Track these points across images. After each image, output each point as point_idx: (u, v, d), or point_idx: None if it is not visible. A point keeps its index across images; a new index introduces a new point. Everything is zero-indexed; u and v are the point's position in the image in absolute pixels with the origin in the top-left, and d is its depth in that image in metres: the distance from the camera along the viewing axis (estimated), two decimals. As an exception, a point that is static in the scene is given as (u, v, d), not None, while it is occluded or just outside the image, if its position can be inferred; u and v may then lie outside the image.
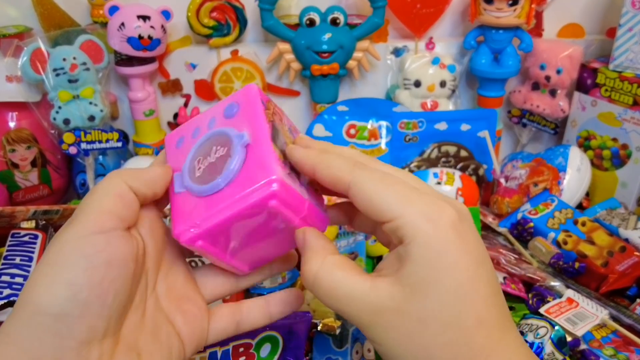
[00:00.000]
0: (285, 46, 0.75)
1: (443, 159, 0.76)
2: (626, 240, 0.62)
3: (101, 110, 0.71)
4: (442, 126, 0.75)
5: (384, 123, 0.77)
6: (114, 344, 0.27)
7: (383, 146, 0.77)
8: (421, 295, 0.25)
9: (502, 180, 0.76)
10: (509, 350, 0.25)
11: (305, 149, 0.29)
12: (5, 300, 0.50)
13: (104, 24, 0.73)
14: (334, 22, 0.72)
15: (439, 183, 0.69)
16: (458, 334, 0.25)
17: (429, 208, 0.25)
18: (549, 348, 0.46)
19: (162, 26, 0.72)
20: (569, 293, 0.56)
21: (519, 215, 0.68)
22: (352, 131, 0.77)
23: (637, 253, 0.59)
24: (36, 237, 0.59)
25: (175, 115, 0.82)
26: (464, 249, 0.25)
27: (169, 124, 0.84)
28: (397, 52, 0.80)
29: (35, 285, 0.25)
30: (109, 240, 0.26)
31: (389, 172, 0.28)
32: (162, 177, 0.31)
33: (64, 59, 0.67)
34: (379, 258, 0.63)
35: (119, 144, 0.73)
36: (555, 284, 0.58)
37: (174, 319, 0.31)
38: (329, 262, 0.27)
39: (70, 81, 0.68)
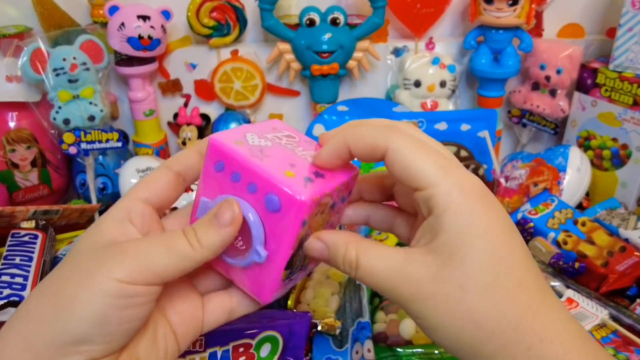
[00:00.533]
0: (285, 46, 0.75)
1: (443, 159, 0.76)
2: (626, 240, 0.62)
3: (101, 110, 0.71)
4: (442, 126, 0.75)
5: (384, 123, 0.76)
6: (117, 354, 0.27)
7: (383, 146, 0.77)
8: (457, 262, 0.25)
9: (502, 180, 0.76)
10: (554, 310, 0.25)
11: (332, 138, 0.29)
12: (5, 300, 0.50)
13: (104, 24, 0.73)
14: (334, 22, 0.72)
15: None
16: (500, 296, 0.25)
17: (462, 179, 0.26)
18: (549, 348, 0.46)
19: (162, 26, 0.72)
20: (569, 293, 0.56)
21: (519, 215, 0.68)
22: (352, 131, 0.77)
23: (637, 253, 0.59)
24: (36, 237, 0.59)
25: (175, 115, 0.82)
26: (495, 216, 0.26)
27: (169, 124, 0.84)
28: (397, 52, 0.80)
29: (66, 306, 0.25)
30: (150, 290, 0.27)
31: (424, 140, 0.28)
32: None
33: (64, 59, 0.67)
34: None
35: (119, 144, 0.73)
36: (555, 284, 0.58)
37: (170, 319, 0.31)
38: (362, 247, 0.28)
39: (70, 81, 0.68)
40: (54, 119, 0.69)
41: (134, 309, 0.26)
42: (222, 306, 0.33)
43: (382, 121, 0.29)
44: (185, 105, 0.83)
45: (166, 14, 0.72)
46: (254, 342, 0.43)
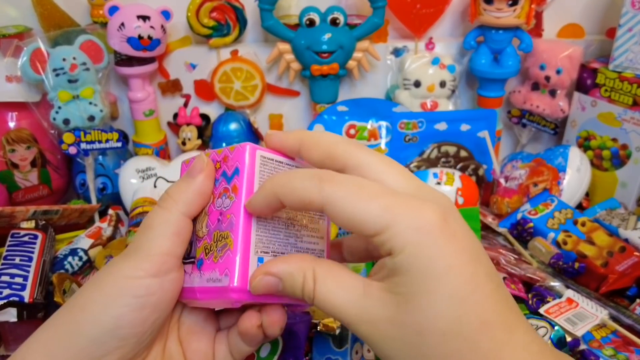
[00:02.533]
0: (285, 46, 0.75)
1: (443, 159, 0.76)
2: (626, 240, 0.62)
3: (101, 111, 0.71)
4: (441, 126, 0.75)
5: (383, 123, 0.77)
6: None
7: (383, 146, 0.77)
8: (414, 306, 0.23)
9: (502, 181, 0.76)
10: (518, 350, 0.24)
11: (261, 188, 0.27)
12: (5, 301, 0.50)
13: (104, 24, 0.73)
14: (334, 22, 0.72)
15: (438, 183, 0.69)
16: (460, 342, 0.23)
17: (412, 214, 0.23)
18: (548, 348, 0.46)
19: (162, 26, 0.72)
20: (569, 293, 0.56)
21: (519, 216, 0.68)
22: (352, 131, 0.77)
23: (636, 253, 0.59)
24: (36, 237, 0.59)
25: (175, 116, 0.82)
26: (456, 249, 0.23)
27: (169, 124, 0.84)
28: (397, 52, 0.80)
29: (83, 309, 0.27)
30: (162, 284, 0.27)
31: (361, 182, 0.25)
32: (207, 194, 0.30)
33: (64, 59, 0.67)
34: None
35: (119, 144, 0.73)
36: (555, 284, 0.58)
37: (186, 352, 0.31)
38: (320, 272, 0.26)
39: (70, 81, 0.68)
40: (54, 119, 0.69)
41: (146, 309, 0.27)
42: (225, 347, 0.32)
43: (310, 171, 0.26)
44: (185, 105, 0.83)
45: (166, 14, 0.72)
46: (253, 342, 0.43)
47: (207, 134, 0.82)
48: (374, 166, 0.26)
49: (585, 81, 0.75)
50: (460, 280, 0.23)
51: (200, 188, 0.29)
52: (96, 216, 0.74)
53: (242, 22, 0.77)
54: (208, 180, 0.29)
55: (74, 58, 0.68)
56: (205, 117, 0.81)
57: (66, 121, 0.69)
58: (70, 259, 0.62)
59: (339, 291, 0.25)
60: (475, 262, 0.24)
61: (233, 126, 0.78)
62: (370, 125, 0.77)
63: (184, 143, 0.80)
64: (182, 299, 0.30)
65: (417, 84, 0.77)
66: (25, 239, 0.58)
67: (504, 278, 0.60)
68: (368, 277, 0.26)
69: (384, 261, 0.25)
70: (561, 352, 0.26)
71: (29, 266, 0.55)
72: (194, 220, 0.30)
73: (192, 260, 0.29)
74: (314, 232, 0.31)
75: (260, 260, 0.27)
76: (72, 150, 0.71)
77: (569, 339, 0.49)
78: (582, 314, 0.53)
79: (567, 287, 0.58)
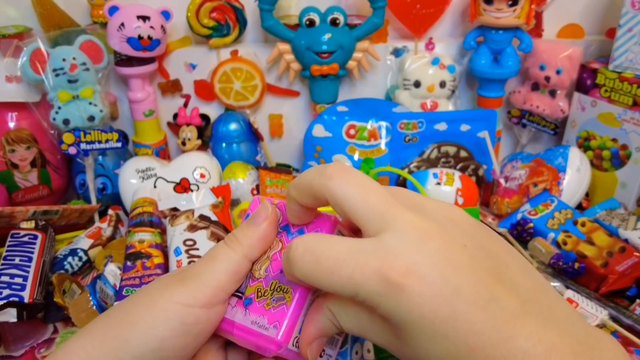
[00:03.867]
0: (285, 46, 0.75)
1: (443, 160, 0.76)
2: (626, 240, 0.62)
3: (101, 111, 0.71)
4: (441, 126, 0.75)
5: (383, 123, 0.77)
6: None
7: (383, 146, 0.77)
8: (403, 342, 0.25)
9: (502, 181, 0.76)
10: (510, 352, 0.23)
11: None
12: (5, 301, 0.50)
13: (104, 24, 0.73)
14: (334, 22, 0.72)
15: (438, 183, 0.69)
16: None
17: (373, 282, 0.24)
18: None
19: (162, 26, 0.72)
20: (569, 293, 0.56)
21: (519, 216, 0.68)
22: (352, 131, 0.77)
23: (636, 253, 0.59)
24: (36, 237, 0.59)
25: (175, 116, 0.82)
26: (424, 296, 0.23)
27: (169, 124, 0.84)
28: (396, 52, 0.80)
29: (132, 327, 0.28)
30: (209, 315, 0.29)
31: (321, 248, 0.25)
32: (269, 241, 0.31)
33: (64, 59, 0.67)
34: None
35: (119, 144, 0.73)
36: (555, 284, 0.58)
37: None
38: (331, 306, 0.28)
39: (70, 81, 0.68)
40: (54, 119, 0.69)
41: (190, 337, 0.28)
42: None
43: (319, 167, 0.27)
44: (185, 105, 0.83)
45: (166, 15, 0.72)
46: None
47: (207, 134, 0.82)
48: (347, 203, 0.26)
49: (585, 81, 0.75)
50: (436, 324, 0.23)
51: (263, 235, 0.30)
52: (96, 216, 0.74)
53: (242, 22, 0.77)
54: (271, 227, 0.31)
55: (74, 58, 0.68)
56: (205, 117, 0.81)
57: (66, 121, 0.69)
58: (70, 259, 0.62)
59: (353, 319, 0.27)
60: (452, 298, 0.23)
61: (233, 126, 0.78)
62: (370, 125, 0.77)
63: (183, 143, 0.80)
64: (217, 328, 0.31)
65: (417, 84, 0.77)
66: (25, 239, 0.58)
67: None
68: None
69: None
70: (591, 333, 0.25)
71: (29, 266, 0.55)
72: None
73: (240, 295, 0.30)
74: None
75: (302, 322, 0.30)
76: (72, 150, 0.71)
77: (568, 339, 0.49)
78: (582, 314, 0.53)
79: (567, 287, 0.58)
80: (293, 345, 0.29)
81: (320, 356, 0.31)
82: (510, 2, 0.70)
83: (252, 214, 0.31)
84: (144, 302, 0.28)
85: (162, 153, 0.81)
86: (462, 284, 0.23)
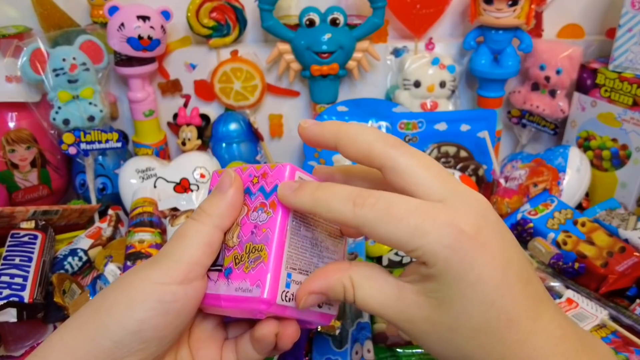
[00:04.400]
0: (285, 46, 0.75)
1: (443, 160, 0.76)
2: (626, 240, 0.62)
3: (101, 111, 0.71)
4: (441, 127, 0.75)
5: (383, 123, 0.77)
6: None
7: (383, 146, 0.77)
8: (447, 308, 0.25)
9: (502, 181, 0.76)
10: (542, 337, 0.26)
11: (321, 125, 0.29)
12: (5, 301, 0.50)
13: (104, 24, 0.73)
14: (334, 22, 0.72)
15: (438, 183, 0.69)
16: (489, 336, 0.25)
17: (444, 232, 0.24)
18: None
19: (162, 26, 0.72)
20: (569, 293, 0.56)
21: (519, 216, 0.68)
22: (352, 131, 0.77)
23: (636, 253, 0.59)
24: (35, 237, 0.59)
25: (175, 116, 0.82)
26: (486, 258, 0.25)
27: (169, 124, 0.84)
28: (396, 52, 0.80)
29: (108, 311, 0.27)
30: (186, 291, 0.28)
31: (390, 202, 0.26)
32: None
33: (64, 59, 0.67)
34: (379, 258, 0.63)
35: (119, 144, 0.73)
36: (555, 284, 0.58)
37: (195, 358, 0.32)
38: (356, 280, 0.28)
39: (69, 81, 0.68)
40: (54, 119, 0.69)
41: (170, 315, 0.28)
42: (233, 355, 0.33)
43: (345, 192, 0.27)
44: (185, 105, 0.83)
45: (166, 15, 0.72)
46: (253, 343, 0.43)
47: (207, 134, 0.82)
48: (409, 170, 0.26)
49: (585, 81, 0.75)
50: (489, 289, 0.25)
51: (231, 201, 0.30)
52: (96, 216, 0.74)
53: (242, 22, 0.77)
54: (238, 193, 0.30)
55: (74, 58, 0.68)
56: (205, 117, 0.81)
57: (66, 121, 0.69)
58: (70, 259, 0.62)
59: (376, 294, 0.27)
60: (506, 268, 0.25)
61: (233, 126, 0.78)
62: (370, 125, 0.77)
63: (183, 143, 0.80)
64: (203, 305, 0.30)
65: (417, 84, 0.77)
66: (25, 239, 0.58)
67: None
68: (400, 277, 0.28)
69: (418, 267, 0.26)
70: (586, 332, 0.28)
71: (29, 266, 0.55)
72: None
73: (219, 268, 0.30)
74: (333, 253, 0.33)
75: (289, 275, 0.29)
76: (72, 150, 0.71)
77: (568, 339, 0.49)
78: (582, 314, 0.53)
79: (567, 287, 0.58)
80: (283, 300, 0.28)
81: (319, 306, 0.31)
82: (510, 2, 0.70)
83: (216, 185, 0.31)
84: (119, 286, 0.28)
85: (162, 153, 0.81)
86: (513, 258, 0.26)
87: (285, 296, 0.28)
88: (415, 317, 0.26)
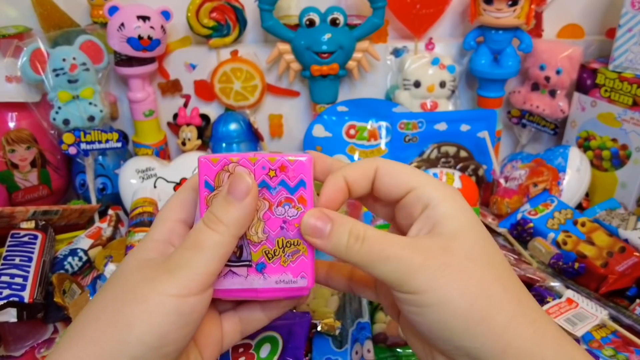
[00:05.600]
0: (285, 46, 0.75)
1: (443, 160, 0.76)
2: (626, 240, 0.62)
3: (101, 111, 0.71)
4: (441, 127, 0.75)
5: (383, 123, 0.77)
6: None
7: (383, 147, 0.77)
8: (462, 238, 0.27)
9: (502, 181, 0.76)
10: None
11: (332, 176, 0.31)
12: (5, 301, 0.50)
13: (104, 25, 0.73)
14: (334, 22, 0.72)
15: (438, 183, 0.69)
16: (501, 271, 0.27)
17: (440, 182, 0.30)
18: (548, 348, 0.46)
19: (162, 26, 0.72)
20: (569, 293, 0.56)
21: (519, 216, 0.68)
22: (352, 131, 0.77)
23: (636, 253, 0.59)
24: (36, 237, 0.59)
25: (175, 116, 0.82)
26: (472, 213, 0.29)
27: (169, 124, 0.84)
28: (396, 52, 0.80)
29: (128, 327, 0.26)
30: (202, 300, 0.28)
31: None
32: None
33: (64, 60, 0.67)
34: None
35: (119, 145, 0.73)
36: (555, 284, 0.58)
37: (198, 343, 0.32)
38: (368, 226, 0.29)
39: (69, 81, 0.68)
40: (54, 119, 0.69)
41: (189, 326, 0.28)
42: (234, 328, 0.34)
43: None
44: (185, 105, 0.83)
45: (166, 15, 0.72)
46: (253, 343, 0.43)
47: (207, 134, 0.82)
48: (391, 165, 0.31)
49: (585, 81, 0.75)
50: (483, 233, 0.29)
51: (249, 210, 0.29)
52: (96, 216, 0.74)
53: (242, 22, 0.77)
54: (255, 200, 0.29)
55: (74, 58, 0.68)
56: (205, 117, 0.81)
57: (66, 121, 0.69)
58: (70, 259, 0.62)
59: (388, 236, 0.28)
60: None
61: (233, 126, 0.78)
62: (370, 125, 0.77)
63: (183, 143, 0.80)
64: (233, 298, 0.32)
65: (417, 84, 0.77)
66: (25, 239, 0.58)
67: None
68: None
69: (423, 217, 0.29)
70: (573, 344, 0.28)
71: (29, 266, 0.55)
72: None
73: (248, 263, 0.31)
74: None
75: None
76: (72, 150, 0.71)
77: (568, 339, 0.49)
78: (582, 314, 0.53)
79: (567, 287, 0.58)
80: None
81: None
82: (510, 2, 0.70)
83: (229, 187, 0.29)
84: (135, 299, 0.27)
85: (162, 153, 0.81)
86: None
87: None
88: (433, 249, 0.27)
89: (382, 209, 0.33)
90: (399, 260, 0.27)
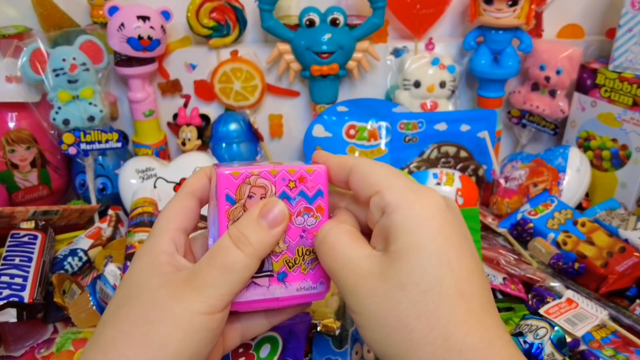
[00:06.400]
0: (285, 47, 0.75)
1: (443, 160, 0.76)
2: (626, 240, 0.62)
3: (101, 111, 0.71)
4: (441, 127, 0.75)
5: (383, 124, 0.77)
6: None
7: (383, 147, 0.77)
8: (404, 260, 0.25)
9: (502, 181, 0.76)
10: (489, 332, 0.24)
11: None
12: (5, 301, 0.50)
13: (104, 25, 0.73)
14: (334, 22, 0.72)
15: (438, 184, 0.69)
16: (438, 303, 0.24)
17: (414, 184, 0.28)
18: (548, 349, 0.46)
19: (162, 27, 0.72)
20: (569, 294, 0.56)
21: (519, 216, 0.68)
22: (352, 132, 0.77)
23: (636, 254, 0.59)
24: (35, 237, 0.59)
25: (175, 116, 0.82)
26: (448, 219, 0.26)
27: (169, 124, 0.84)
28: (396, 52, 0.80)
29: (163, 346, 0.27)
30: (225, 315, 0.29)
31: (382, 163, 0.31)
32: None
33: (64, 60, 0.67)
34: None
35: (119, 145, 0.73)
36: (555, 284, 0.58)
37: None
38: (342, 228, 0.30)
39: (69, 81, 0.68)
40: (54, 119, 0.69)
41: (215, 340, 0.29)
42: (235, 333, 0.34)
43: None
44: (185, 105, 0.83)
45: (166, 15, 0.72)
46: (253, 343, 0.43)
47: (207, 134, 0.82)
48: (362, 165, 0.31)
49: (585, 81, 0.75)
50: (447, 244, 0.25)
51: (279, 237, 0.30)
52: (96, 216, 0.74)
53: (242, 22, 0.77)
54: (286, 227, 0.31)
55: (74, 58, 0.68)
56: (205, 117, 0.81)
57: (66, 121, 0.69)
58: (70, 259, 0.62)
59: (347, 246, 0.29)
60: (463, 239, 0.27)
61: (233, 126, 0.78)
62: (370, 125, 0.77)
63: (183, 143, 0.80)
64: (254, 309, 0.32)
65: (417, 85, 0.77)
66: (25, 239, 0.58)
67: (504, 278, 0.60)
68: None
69: (379, 226, 0.28)
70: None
71: (29, 266, 0.55)
72: None
73: (270, 273, 0.31)
74: None
75: None
76: (72, 150, 0.71)
77: (568, 339, 0.49)
78: (582, 314, 0.53)
79: (567, 287, 0.58)
80: None
81: None
82: (510, 2, 0.70)
83: (263, 211, 0.30)
84: (165, 316, 0.27)
85: (162, 153, 0.81)
86: (470, 244, 0.28)
87: None
88: (371, 274, 0.26)
89: (359, 209, 0.33)
90: (339, 279, 0.28)
